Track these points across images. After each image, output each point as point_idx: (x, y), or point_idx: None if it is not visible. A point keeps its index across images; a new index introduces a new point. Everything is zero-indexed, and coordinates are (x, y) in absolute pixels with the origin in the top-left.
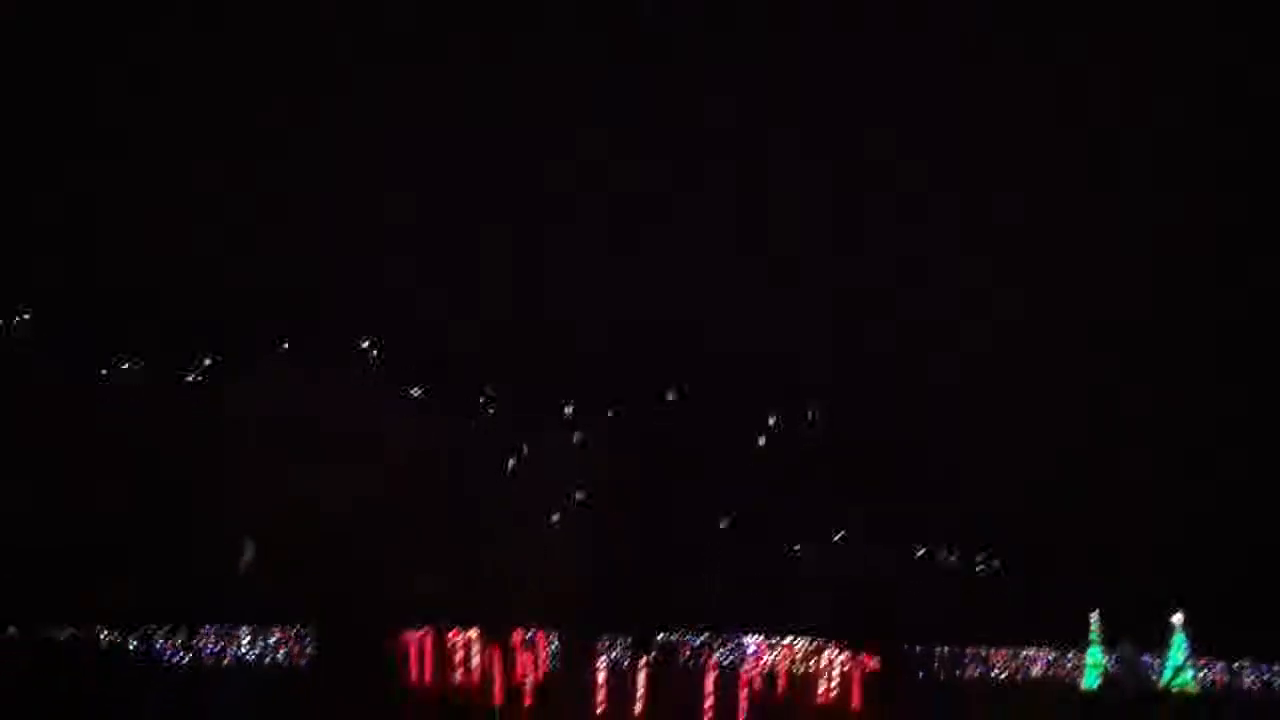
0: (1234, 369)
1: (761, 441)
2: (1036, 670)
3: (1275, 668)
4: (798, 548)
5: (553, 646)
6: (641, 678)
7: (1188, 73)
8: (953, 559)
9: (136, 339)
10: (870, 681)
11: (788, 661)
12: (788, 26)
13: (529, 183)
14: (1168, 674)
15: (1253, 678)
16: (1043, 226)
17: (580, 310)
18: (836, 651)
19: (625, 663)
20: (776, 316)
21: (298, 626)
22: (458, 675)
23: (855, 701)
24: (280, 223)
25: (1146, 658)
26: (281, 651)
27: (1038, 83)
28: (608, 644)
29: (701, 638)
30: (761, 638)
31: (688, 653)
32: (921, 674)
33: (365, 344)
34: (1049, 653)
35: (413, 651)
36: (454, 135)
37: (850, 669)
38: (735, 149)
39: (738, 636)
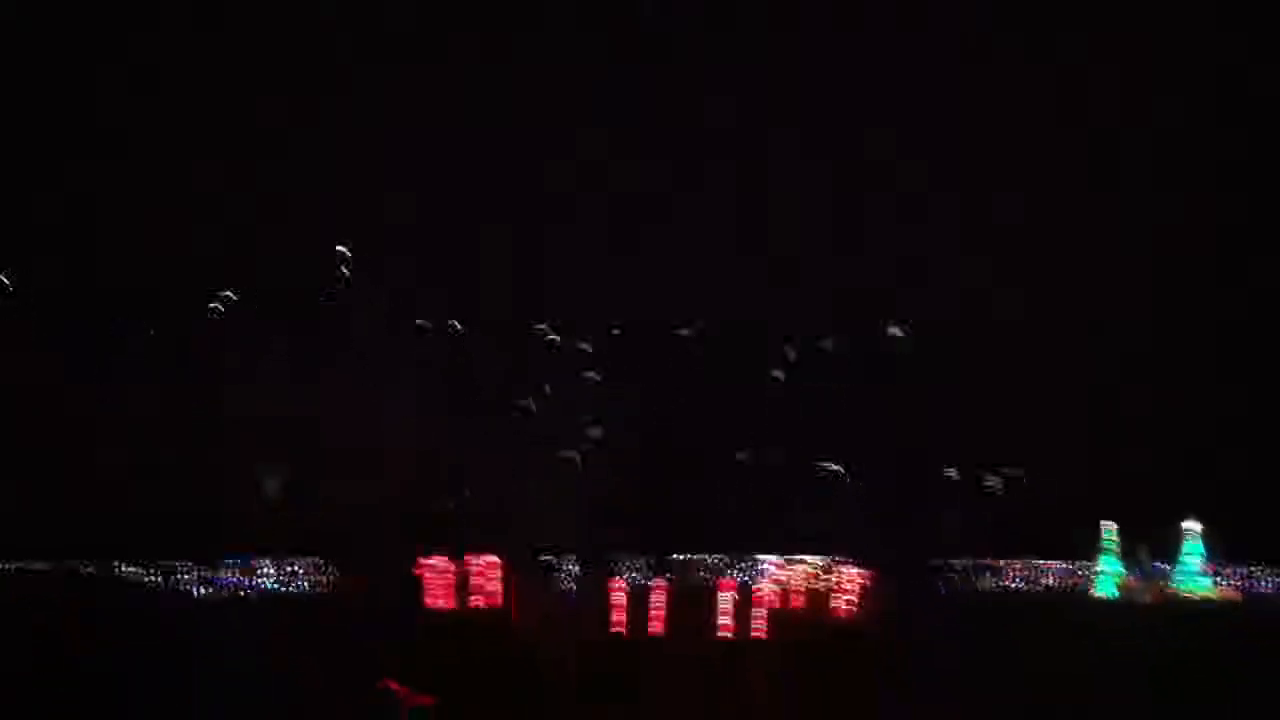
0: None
1: (778, 374)
2: (1050, 580)
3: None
4: (816, 471)
5: (573, 569)
6: (658, 597)
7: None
8: (967, 476)
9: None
10: (884, 596)
11: (804, 579)
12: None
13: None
14: (1183, 580)
15: (1269, 583)
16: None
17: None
18: (853, 568)
19: (643, 583)
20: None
21: (320, 557)
22: (478, 599)
23: (867, 615)
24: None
25: (1162, 565)
26: (304, 581)
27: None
28: (626, 566)
29: (717, 558)
30: (778, 557)
31: (703, 573)
32: (941, 587)
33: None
34: (1063, 563)
35: (433, 577)
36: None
37: (865, 585)
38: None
39: (754, 556)
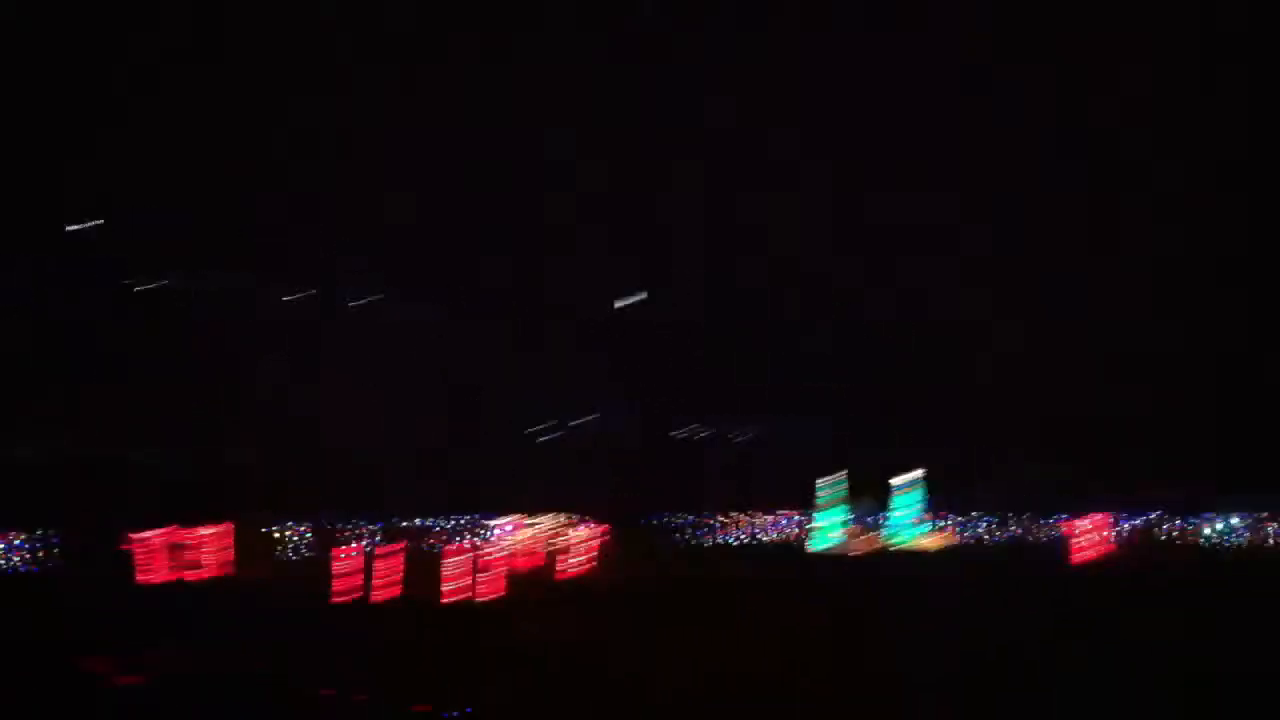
0: None
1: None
2: (777, 534)
3: (1000, 517)
4: (544, 432)
5: (303, 537)
6: (386, 563)
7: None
8: (697, 432)
9: None
10: (612, 552)
11: (537, 540)
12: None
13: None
14: (900, 530)
15: (983, 528)
16: None
17: None
18: (584, 527)
19: (373, 549)
20: None
21: (37, 531)
22: (197, 572)
23: (597, 570)
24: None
25: (883, 516)
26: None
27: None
28: (356, 531)
29: (450, 523)
30: (510, 519)
31: (434, 539)
32: (675, 540)
33: None
34: (791, 514)
35: (144, 551)
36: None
37: (596, 542)
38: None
39: (487, 520)
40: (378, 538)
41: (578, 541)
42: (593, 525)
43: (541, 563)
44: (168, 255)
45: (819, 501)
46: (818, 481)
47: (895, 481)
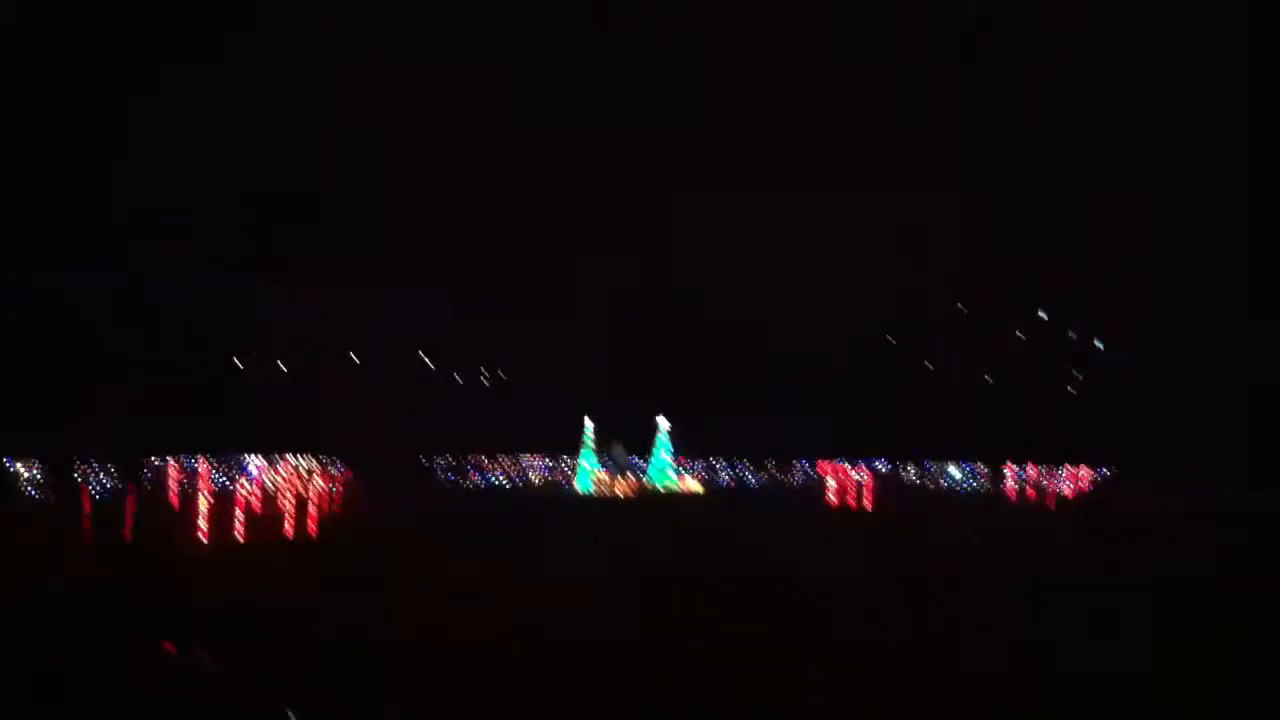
0: None
1: None
2: (535, 476)
3: (746, 463)
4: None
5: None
6: (130, 501)
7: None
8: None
9: None
10: (366, 491)
11: (290, 480)
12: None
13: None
14: (652, 474)
15: (728, 472)
16: None
17: None
18: (338, 468)
19: (115, 487)
20: None
21: None
22: None
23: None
24: None
25: (635, 459)
26: None
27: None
28: (93, 470)
29: (197, 461)
30: (263, 460)
31: (181, 476)
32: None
33: None
34: (546, 459)
35: None
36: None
37: (346, 482)
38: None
39: (238, 458)
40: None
41: (327, 481)
42: (343, 466)
43: (288, 504)
44: None
45: (582, 444)
46: (585, 423)
47: (656, 426)
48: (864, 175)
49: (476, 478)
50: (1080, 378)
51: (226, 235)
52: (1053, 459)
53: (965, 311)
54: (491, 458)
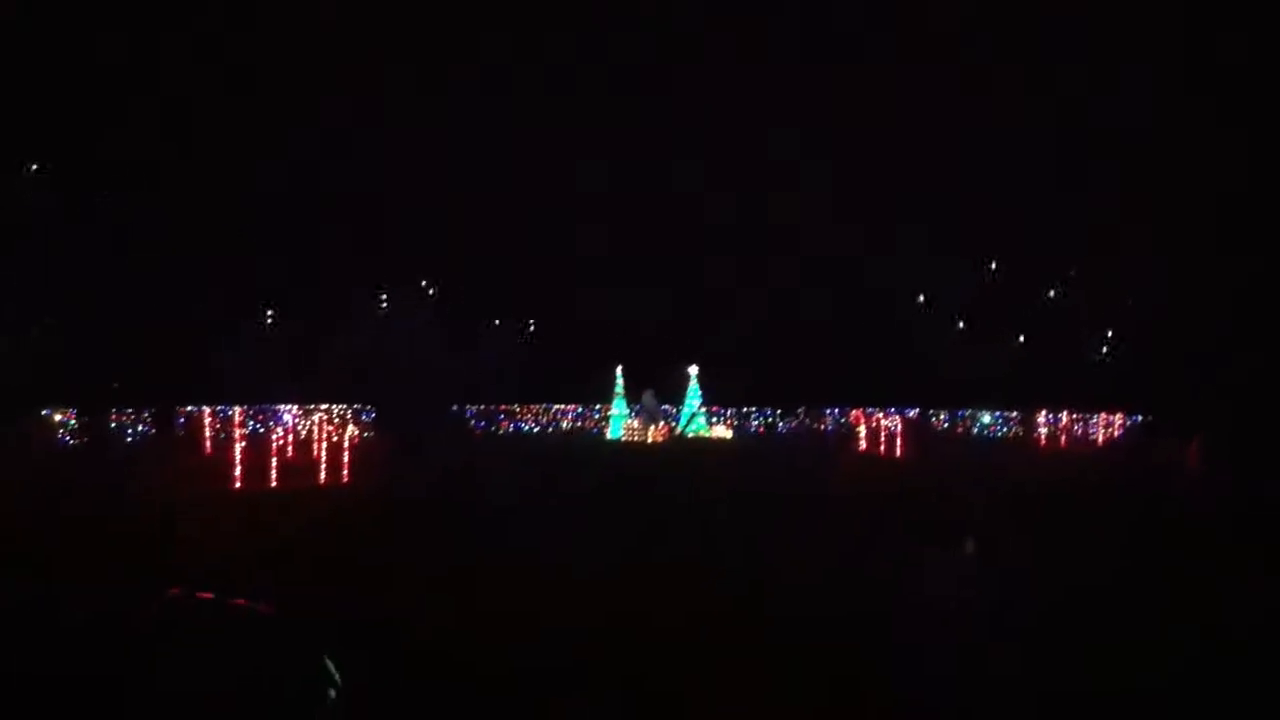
0: None
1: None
2: (566, 423)
3: (775, 410)
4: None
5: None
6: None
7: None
8: (490, 327)
9: None
10: (401, 444)
11: (321, 428)
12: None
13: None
14: (684, 420)
15: (758, 420)
16: None
17: None
18: (368, 416)
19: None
20: None
21: None
22: None
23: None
24: None
25: (666, 407)
26: None
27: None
28: (127, 416)
29: (234, 409)
30: (296, 407)
31: (217, 423)
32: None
33: None
34: (577, 406)
35: None
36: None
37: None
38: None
39: (272, 407)
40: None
41: (361, 428)
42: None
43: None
44: None
45: (614, 392)
46: (615, 371)
47: (689, 372)
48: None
49: (509, 426)
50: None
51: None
52: (1086, 406)
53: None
54: (524, 406)
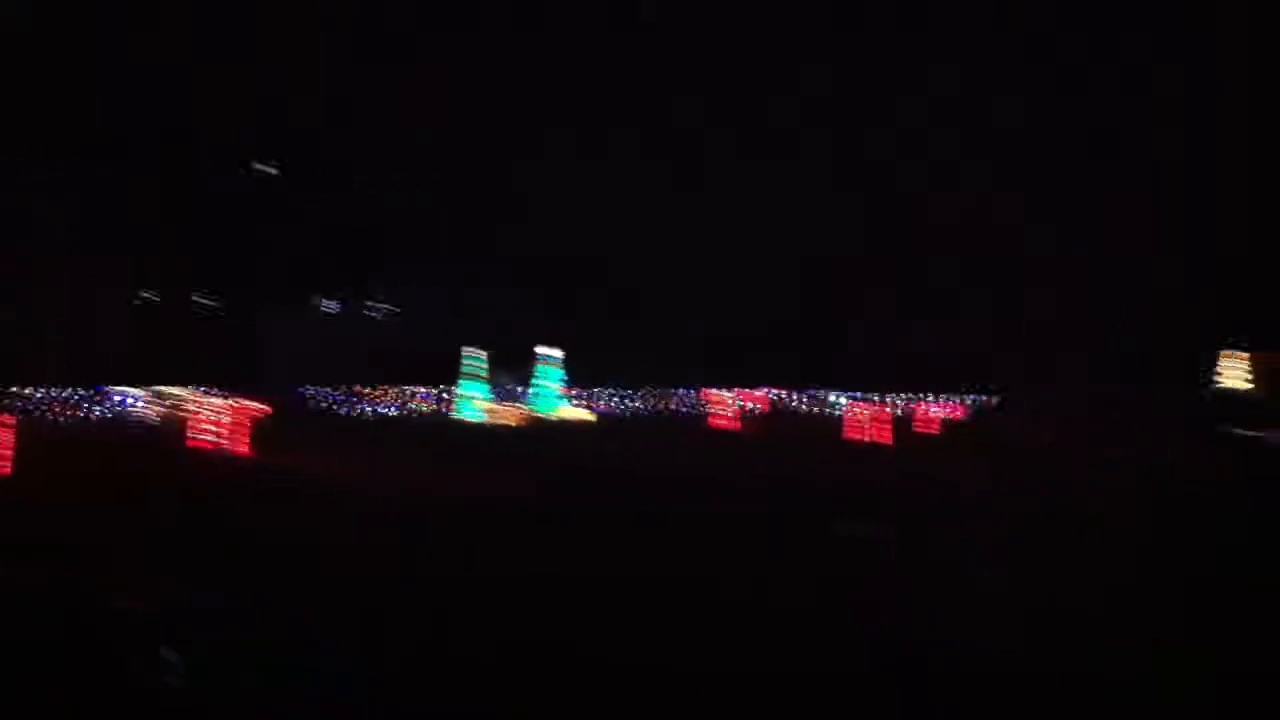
0: None
1: None
2: (421, 405)
3: (633, 391)
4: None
5: None
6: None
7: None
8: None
9: None
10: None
11: (168, 411)
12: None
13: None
14: (541, 402)
15: (611, 404)
16: None
17: None
18: (225, 400)
19: None
20: None
21: None
22: None
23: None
24: None
25: (523, 390)
26: None
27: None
28: None
29: (65, 393)
30: (147, 391)
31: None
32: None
33: None
34: (432, 389)
35: None
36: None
37: (237, 415)
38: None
39: (118, 393)
40: None
41: (208, 410)
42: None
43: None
44: None
45: (466, 374)
46: (471, 352)
47: (539, 354)
48: None
49: (364, 408)
50: None
51: None
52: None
53: None
54: (377, 388)
